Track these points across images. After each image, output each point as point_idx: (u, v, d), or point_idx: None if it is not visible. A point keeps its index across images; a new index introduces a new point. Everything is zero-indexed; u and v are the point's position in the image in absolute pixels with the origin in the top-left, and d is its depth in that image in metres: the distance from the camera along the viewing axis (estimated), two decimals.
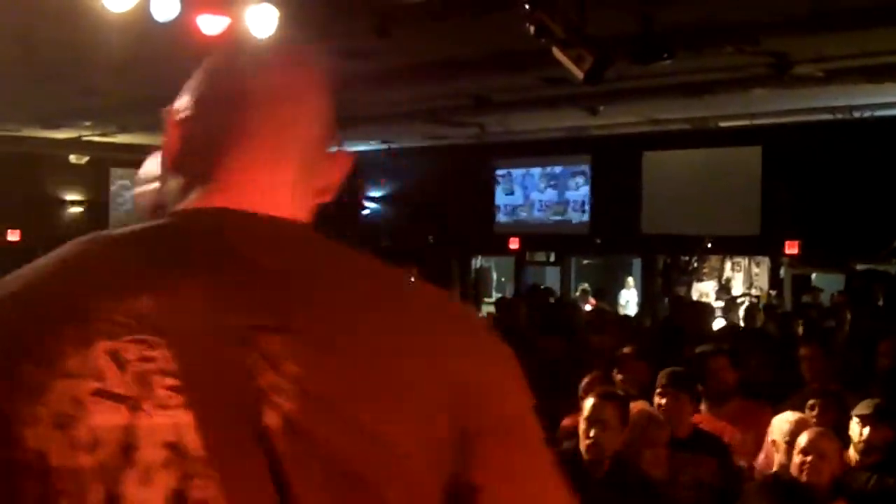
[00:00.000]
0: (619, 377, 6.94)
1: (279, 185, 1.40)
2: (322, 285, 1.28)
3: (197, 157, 1.41)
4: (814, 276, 18.10)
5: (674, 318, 12.23)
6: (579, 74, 8.52)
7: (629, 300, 19.78)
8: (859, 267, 16.80)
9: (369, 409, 1.20)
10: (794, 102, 14.34)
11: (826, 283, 17.42)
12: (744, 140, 17.09)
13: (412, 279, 1.41)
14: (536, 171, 20.46)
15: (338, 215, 19.61)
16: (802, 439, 5.08)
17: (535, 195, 20.49)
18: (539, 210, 20.45)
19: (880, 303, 15.28)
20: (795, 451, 5.07)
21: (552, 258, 21.50)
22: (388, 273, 1.37)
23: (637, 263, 20.52)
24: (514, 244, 20.45)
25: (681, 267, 20.10)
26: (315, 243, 1.36)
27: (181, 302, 1.23)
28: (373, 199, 22.78)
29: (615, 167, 18.86)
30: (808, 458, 5.00)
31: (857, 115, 15.16)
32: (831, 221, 16.01)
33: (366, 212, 22.77)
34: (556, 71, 8.99)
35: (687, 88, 12.65)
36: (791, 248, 17.04)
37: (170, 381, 1.20)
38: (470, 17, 9.18)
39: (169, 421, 1.18)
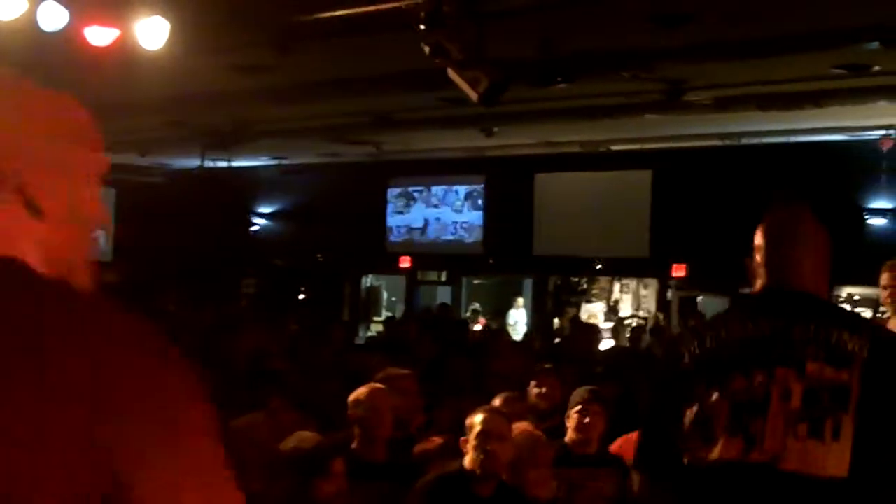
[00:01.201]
0: (535, 391, 7.01)
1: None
2: None
3: None
4: (700, 298, 18.36)
5: (571, 340, 12.30)
6: (474, 96, 8.52)
7: (518, 320, 19.85)
8: (744, 290, 17.07)
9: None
10: (685, 128, 14.58)
11: (713, 306, 17.69)
12: (635, 164, 17.30)
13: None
14: (430, 190, 20.46)
15: (226, 231, 19.19)
16: None
17: (428, 214, 20.48)
18: (432, 229, 20.44)
19: None
20: None
21: (444, 278, 21.49)
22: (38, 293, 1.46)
23: (528, 284, 20.61)
24: (405, 263, 20.41)
25: (571, 288, 20.25)
26: None
27: None
28: (263, 216, 22.54)
29: (509, 188, 18.94)
30: None
31: (744, 141, 15.47)
32: (718, 245, 16.26)
33: (255, 228, 22.52)
34: (454, 91, 8.98)
35: (581, 112, 12.76)
36: (678, 270, 17.29)
37: None
38: (369, 35, 9.14)
39: None
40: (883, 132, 14.21)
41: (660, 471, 2.76)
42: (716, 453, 2.59)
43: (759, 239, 3.00)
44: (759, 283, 2.90)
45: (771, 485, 2.53)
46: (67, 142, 1.60)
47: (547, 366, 7.67)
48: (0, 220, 1.52)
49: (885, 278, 5.69)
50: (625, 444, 6.38)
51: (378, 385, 5.85)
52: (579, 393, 6.10)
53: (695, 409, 2.64)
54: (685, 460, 2.64)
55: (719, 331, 2.76)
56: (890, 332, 3.21)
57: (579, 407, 5.93)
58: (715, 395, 2.62)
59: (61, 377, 1.33)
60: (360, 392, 5.65)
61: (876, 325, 3.11)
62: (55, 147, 1.60)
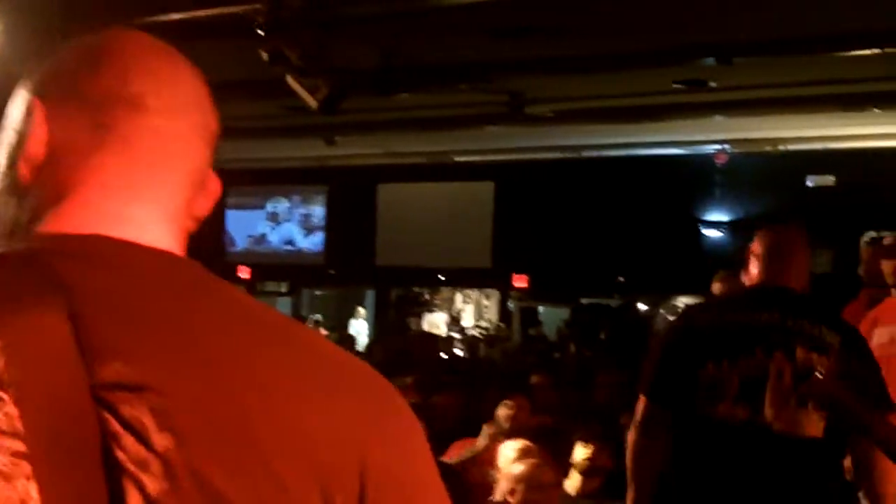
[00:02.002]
0: None
1: (160, 210, 1.16)
2: (204, 337, 1.04)
3: (63, 166, 1.13)
4: (541, 309, 18.54)
5: (405, 348, 12.26)
6: (313, 104, 8.39)
7: (359, 330, 19.73)
8: (584, 301, 17.31)
9: (250, 494, 0.99)
10: (526, 140, 14.66)
11: (554, 316, 17.88)
12: (477, 175, 17.37)
13: (306, 330, 1.18)
14: (271, 199, 20.18)
15: None
16: (517, 469, 5.11)
17: (268, 224, 20.19)
18: (272, 239, 20.15)
19: (603, 336, 15.78)
20: (514, 483, 5.08)
21: (284, 288, 21.23)
22: (282, 324, 1.12)
23: (371, 294, 20.51)
24: (244, 274, 20.06)
25: (413, 298, 20.22)
26: (199, 283, 1.12)
27: (33, 348, 0.98)
28: None
29: (351, 198, 18.82)
30: (532, 490, 5.03)
31: (585, 154, 15.64)
32: (559, 257, 16.44)
33: None
34: (295, 100, 8.82)
35: (423, 123, 12.71)
36: (520, 281, 17.41)
37: (15, 446, 0.96)
38: (206, 40, 8.89)
39: (11, 494, 0.95)
40: (718, 147, 14.54)
41: (666, 402, 3.61)
42: (724, 412, 3.43)
43: (756, 247, 3.77)
44: (751, 280, 3.74)
45: (766, 441, 3.41)
46: None
47: (408, 380, 7.57)
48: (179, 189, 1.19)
49: (716, 288, 5.81)
50: (458, 450, 6.29)
51: None
52: None
53: (709, 373, 3.46)
54: (697, 411, 3.48)
55: (726, 312, 3.65)
56: (852, 326, 3.94)
57: None
58: (725, 366, 3.45)
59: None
60: None
61: (844, 319, 3.93)
62: None
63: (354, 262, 18.80)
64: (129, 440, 0.97)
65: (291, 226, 20.00)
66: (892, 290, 5.32)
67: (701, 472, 3.55)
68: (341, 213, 19.16)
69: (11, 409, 0.96)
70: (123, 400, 0.98)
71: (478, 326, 19.30)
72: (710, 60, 8.98)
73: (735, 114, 11.76)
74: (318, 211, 19.67)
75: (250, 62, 8.26)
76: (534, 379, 8.06)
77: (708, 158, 14.83)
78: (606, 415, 7.48)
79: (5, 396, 0.97)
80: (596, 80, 10.15)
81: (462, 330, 18.73)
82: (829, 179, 14.53)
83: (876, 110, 10.77)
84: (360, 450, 1.04)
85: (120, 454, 0.97)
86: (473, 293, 20.36)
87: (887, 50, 8.29)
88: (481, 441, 6.19)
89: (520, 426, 6.33)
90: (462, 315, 20.38)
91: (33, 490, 0.95)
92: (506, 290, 18.41)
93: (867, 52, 8.54)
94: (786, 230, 3.88)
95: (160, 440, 0.97)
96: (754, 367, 3.44)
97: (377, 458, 1.05)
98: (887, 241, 5.43)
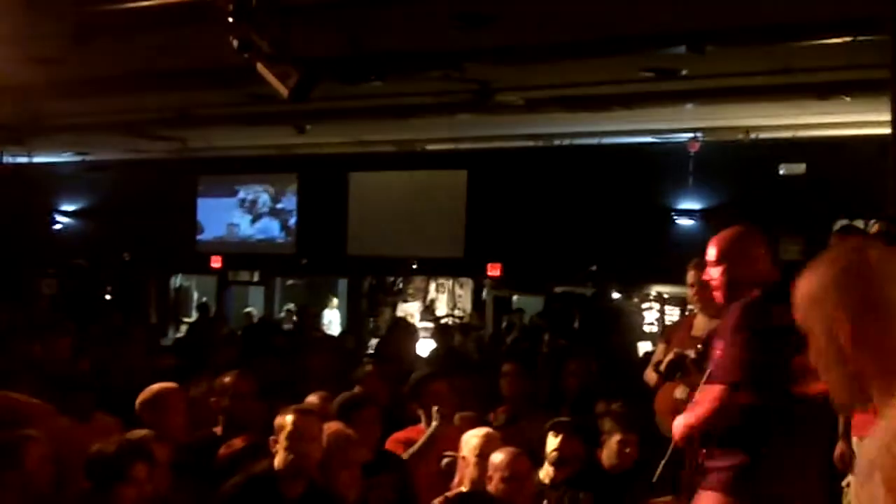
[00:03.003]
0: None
1: None
2: None
3: None
4: (515, 297, 18.52)
5: (390, 339, 12.19)
6: (284, 92, 8.34)
7: (332, 320, 19.67)
8: (558, 289, 17.30)
9: None
10: (498, 129, 14.64)
11: (528, 305, 17.86)
12: (449, 164, 17.31)
13: None
14: (242, 188, 20.03)
15: (26, 229, 18.41)
16: (497, 458, 5.11)
17: (239, 213, 20.04)
18: (243, 228, 20.01)
19: (576, 324, 15.77)
20: (492, 471, 5.09)
21: (256, 278, 21.13)
22: None
23: (344, 283, 20.44)
24: (216, 263, 19.93)
25: (386, 288, 20.17)
26: None
27: None
28: (66, 213, 21.67)
29: (322, 187, 18.71)
30: (508, 479, 5.04)
31: (557, 142, 15.62)
32: (532, 245, 16.41)
33: (58, 226, 21.64)
34: (264, 87, 8.76)
35: (393, 111, 12.67)
36: (493, 270, 17.37)
37: None
38: (174, 28, 8.83)
39: None
40: (690, 135, 14.54)
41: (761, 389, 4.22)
42: (805, 391, 4.07)
43: (762, 247, 4.41)
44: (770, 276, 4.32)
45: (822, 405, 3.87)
46: None
47: (368, 368, 7.47)
48: None
49: (691, 276, 5.80)
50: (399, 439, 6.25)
51: (168, 385, 5.78)
52: (341, 398, 5.91)
53: (795, 361, 4.00)
54: (791, 390, 4.14)
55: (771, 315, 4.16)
56: None
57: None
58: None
59: None
60: (147, 392, 5.67)
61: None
62: None
63: (326, 251, 18.71)
64: None
65: (262, 214, 19.87)
66: None
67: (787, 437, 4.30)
68: (313, 202, 19.04)
69: None
70: None
71: (451, 315, 19.25)
72: (682, 49, 8.97)
73: (707, 102, 11.77)
74: (289, 199, 19.54)
75: (217, 49, 8.21)
76: (505, 367, 8.03)
77: (679, 146, 14.82)
78: (576, 402, 7.47)
79: None
80: (564, 68, 10.12)
81: (437, 319, 18.68)
82: (800, 167, 14.55)
83: (847, 98, 10.79)
84: None
85: None
86: (447, 282, 20.31)
87: (859, 38, 8.30)
88: (428, 430, 6.14)
89: (449, 412, 6.27)
90: (436, 304, 20.34)
91: None
92: (479, 278, 18.37)
93: (839, 40, 8.55)
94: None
95: None
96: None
97: None
98: (874, 230, 5.40)
